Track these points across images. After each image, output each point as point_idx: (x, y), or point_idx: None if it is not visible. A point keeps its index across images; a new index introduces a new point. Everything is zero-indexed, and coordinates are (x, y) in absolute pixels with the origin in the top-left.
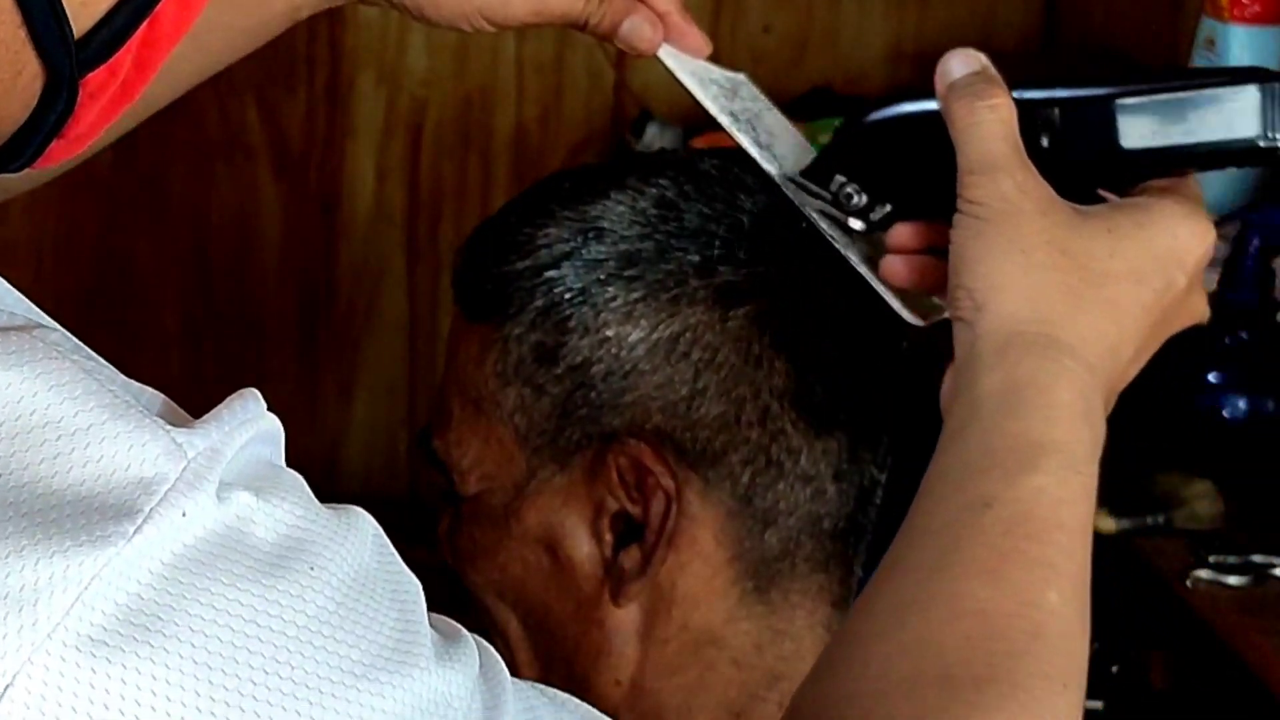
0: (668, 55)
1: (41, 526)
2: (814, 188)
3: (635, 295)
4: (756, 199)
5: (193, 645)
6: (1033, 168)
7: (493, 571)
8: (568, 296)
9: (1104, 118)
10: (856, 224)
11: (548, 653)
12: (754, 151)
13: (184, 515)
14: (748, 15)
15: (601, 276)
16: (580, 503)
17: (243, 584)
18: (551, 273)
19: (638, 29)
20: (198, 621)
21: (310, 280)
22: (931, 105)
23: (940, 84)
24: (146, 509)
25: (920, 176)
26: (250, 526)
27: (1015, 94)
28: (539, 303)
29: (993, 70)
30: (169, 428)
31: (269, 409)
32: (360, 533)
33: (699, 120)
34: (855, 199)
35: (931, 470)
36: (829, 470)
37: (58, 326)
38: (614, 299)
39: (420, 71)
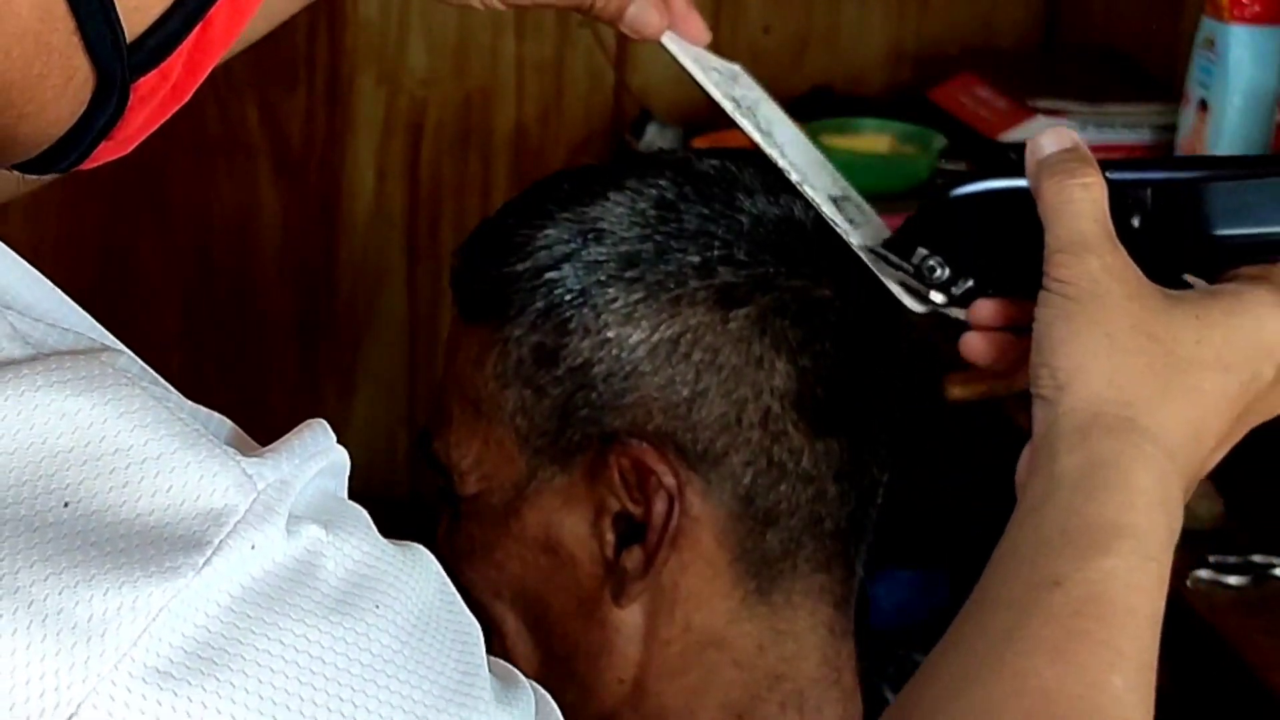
0: (670, 41)
1: (110, 556)
2: (895, 259)
3: (636, 296)
4: (755, 199)
5: (259, 680)
6: (1122, 249)
7: (490, 570)
8: (568, 298)
9: (1197, 201)
10: (938, 297)
11: (547, 650)
12: (758, 138)
13: (253, 548)
14: (748, 15)
15: (602, 278)
16: (581, 503)
17: (310, 620)
18: (551, 274)
19: (643, 13)
20: (265, 657)
21: (310, 280)
22: (1020, 182)
23: (1030, 160)
24: (216, 541)
25: (1005, 253)
26: (320, 560)
27: (1107, 174)
28: (539, 304)
29: (1084, 149)
30: (239, 458)
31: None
32: (425, 570)
33: (699, 120)
34: (938, 272)
35: (1003, 545)
36: (830, 471)
37: (124, 348)
38: (614, 300)
39: (420, 71)
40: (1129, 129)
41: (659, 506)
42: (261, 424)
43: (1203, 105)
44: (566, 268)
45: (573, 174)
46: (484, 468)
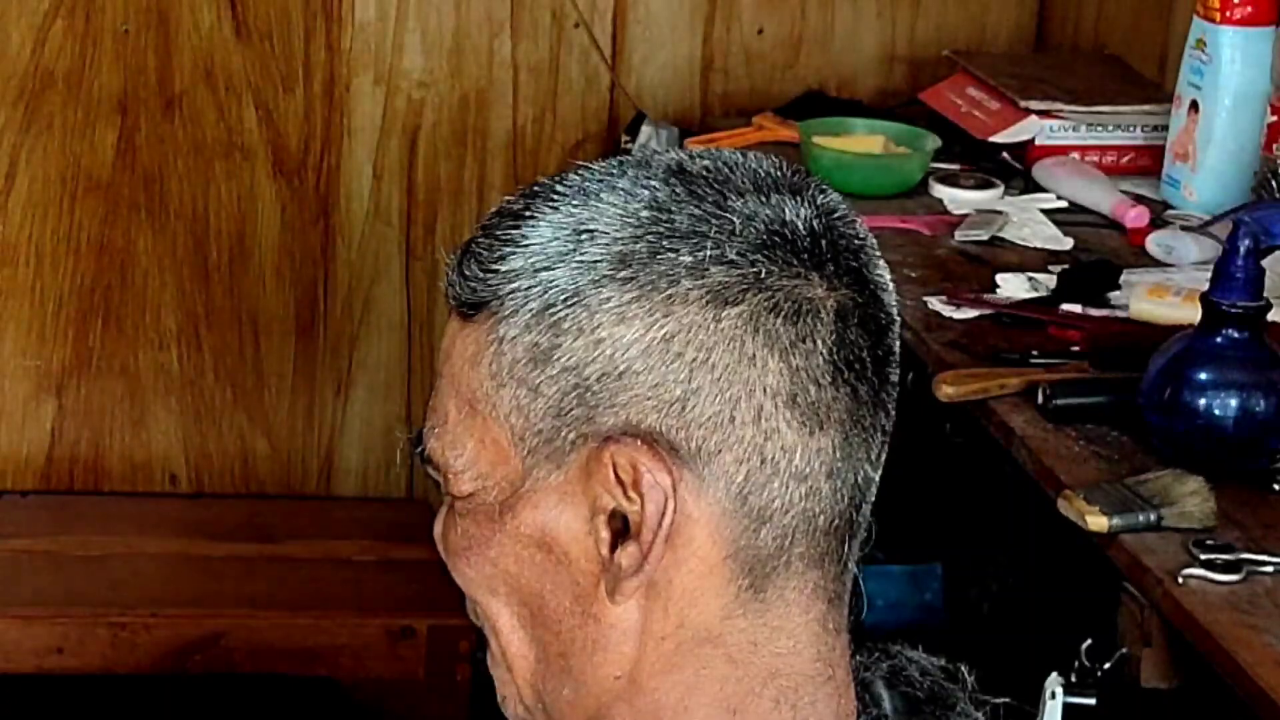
0: None
1: None
2: None
3: (629, 296)
4: (747, 200)
5: None
6: None
7: (486, 566)
8: (562, 298)
9: None
10: None
11: (542, 646)
12: None
13: None
14: (741, 17)
15: (595, 278)
16: (576, 501)
17: None
18: (545, 274)
19: None
20: None
21: (308, 280)
22: None
23: None
24: None
25: None
26: None
27: None
28: (533, 304)
29: None
30: None
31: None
32: None
33: (693, 121)
34: None
35: None
36: (823, 468)
37: None
38: (608, 300)
39: (417, 73)
40: (1121, 129)
41: (653, 505)
42: (260, 423)
43: (1194, 106)
44: (560, 268)
45: (566, 176)
46: (479, 467)
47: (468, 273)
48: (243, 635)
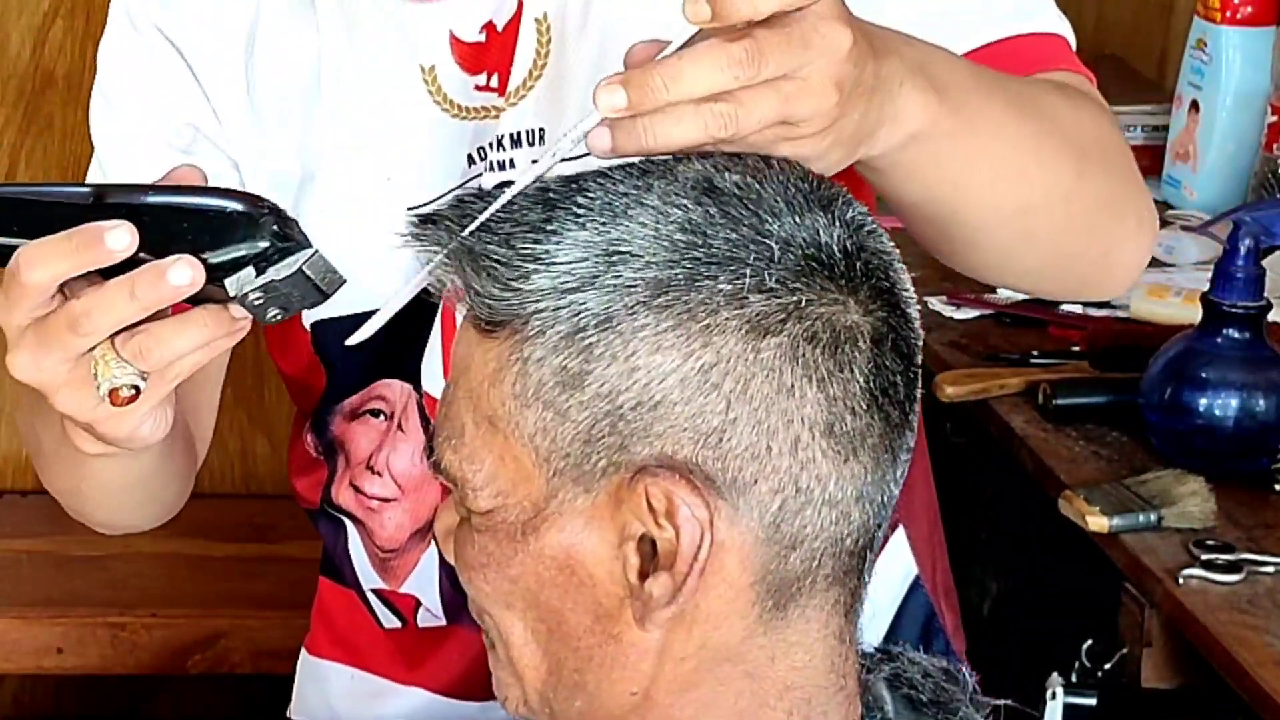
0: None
1: None
2: None
3: (666, 324)
4: (782, 221)
5: None
6: None
7: (504, 583)
8: (594, 322)
9: None
10: None
11: (556, 660)
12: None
13: None
14: None
15: (630, 303)
16: (604, 526)
17: None
18: (574, 296)
19: None
20: None
21: None
22: None
23: None
24: None
25: None
26: None
27: None
28: (562, 327)
29: None
30: None
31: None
32: None
33: None
34: None
35: None
36: (853, 493)
37: None
38: (644, 327)
39: None
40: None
41: (688, 538)
42: (260, 423)
43: (1194, 106)
44: (591, 291)
45: (587, 186)
46: (499, 484)
47: (483, 289)
48: (243, 635)
